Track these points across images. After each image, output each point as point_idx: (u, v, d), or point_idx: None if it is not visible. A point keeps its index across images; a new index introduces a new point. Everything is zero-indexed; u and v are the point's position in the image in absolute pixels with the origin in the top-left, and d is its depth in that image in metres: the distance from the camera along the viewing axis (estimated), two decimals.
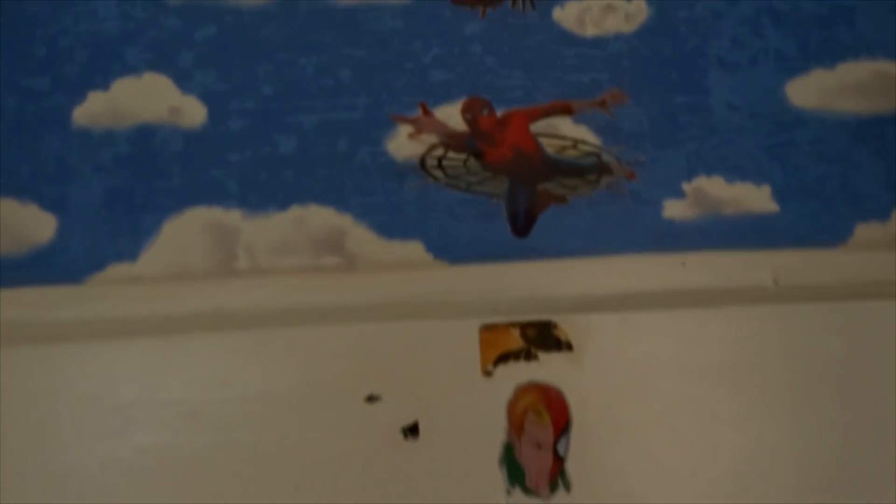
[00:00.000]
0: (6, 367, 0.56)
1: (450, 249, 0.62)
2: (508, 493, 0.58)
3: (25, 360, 0.57)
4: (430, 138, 0.63)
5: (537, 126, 0.64)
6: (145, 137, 0.63)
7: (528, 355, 0.59)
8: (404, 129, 0.64)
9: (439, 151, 0.63)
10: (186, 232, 0.62)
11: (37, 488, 0.56)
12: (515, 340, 0.59)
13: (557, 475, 0.58)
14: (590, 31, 0.66)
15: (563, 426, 0.58)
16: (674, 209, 0.64)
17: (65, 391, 0.57)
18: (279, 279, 0.61)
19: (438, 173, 0.63)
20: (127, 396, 0.58)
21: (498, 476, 0.58)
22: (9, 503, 0.54)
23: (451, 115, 0.64)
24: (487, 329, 0.59)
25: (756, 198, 0.64)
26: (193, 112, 0.64)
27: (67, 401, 0.57)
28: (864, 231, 0.64)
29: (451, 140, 0.63)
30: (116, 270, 0.61)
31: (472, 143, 0.63)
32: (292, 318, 0.60)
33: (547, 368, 0.59)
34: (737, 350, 0.60)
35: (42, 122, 0.63)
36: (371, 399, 0.58)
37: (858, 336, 0.60)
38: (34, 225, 0.61)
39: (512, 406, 0.58)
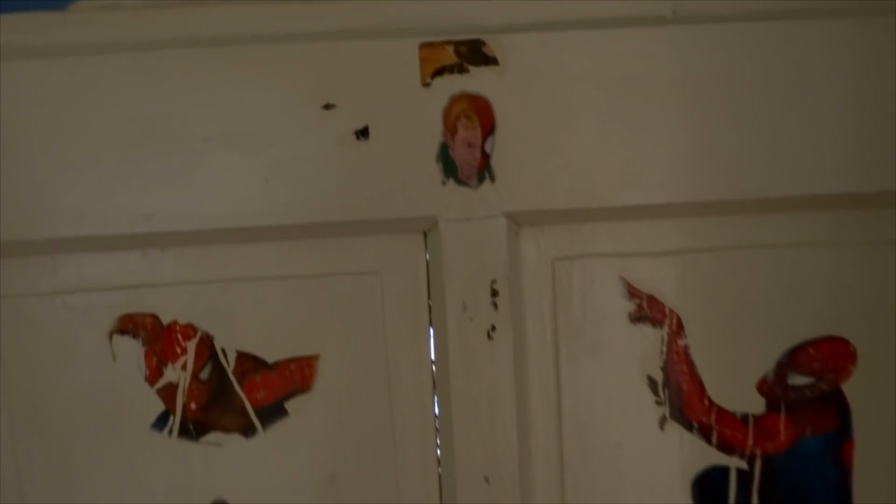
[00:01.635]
0: None
1: None
2: (444, 183, 0.70)
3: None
4: None
5: None
6: None
7: (461, 69, 0.69)
8: None
9: None
10: None
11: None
12: (450, 56, 0.69)
13: (484, 169, 0.70)
14: None
15: (489, 129, 0.69)
16: None
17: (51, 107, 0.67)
18: (248, 7, 0.70)
19: None
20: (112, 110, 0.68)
21: (436, 170, 0.70)
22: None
23: None
24: (426, 46, 0.69)
25: None
26: None
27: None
28: None
29: None
30: None
31: None
32: (260, 39, 0.69)
33: (476, 80, 0.69)
34: (640, 65, 0.70)
35: None
36: (328, 107, 0.69)
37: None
38: None
39: (447, 112, 0.69)
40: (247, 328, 0.74)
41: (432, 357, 0.75)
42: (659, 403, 0.77)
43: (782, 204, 0.72)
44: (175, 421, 0.74)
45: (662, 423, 0.77)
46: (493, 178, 0.70)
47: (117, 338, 0.73)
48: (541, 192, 0.70)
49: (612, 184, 0.71)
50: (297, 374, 0.74)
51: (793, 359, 0.76)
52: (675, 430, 0.76)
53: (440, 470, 0.75)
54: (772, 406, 0.77)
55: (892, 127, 0.70)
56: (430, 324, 0.74)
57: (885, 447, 0.77)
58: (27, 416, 0.73)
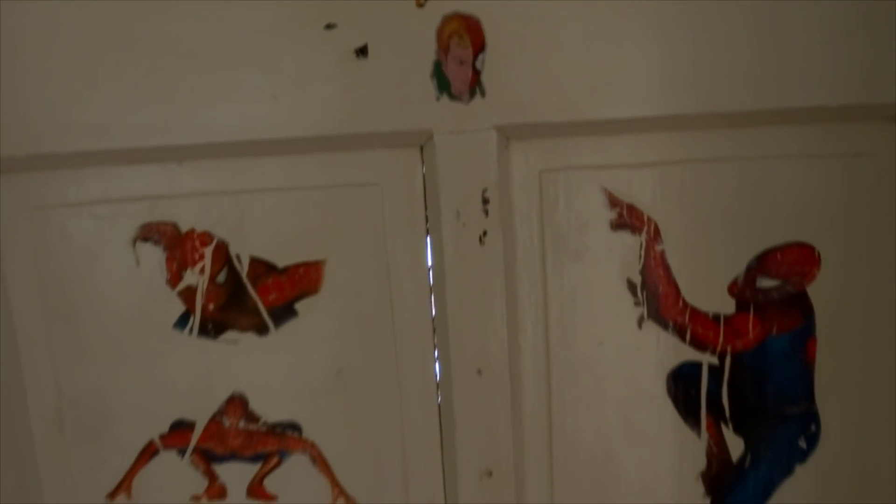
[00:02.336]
0: None
1: None
2: (438, 99, 0.75)
3: None
4: None
5: None
6: None
7: None
8: None
9: None
10: None
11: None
12: None
13: (476, 85, 0.75)
14: None
15: (480, 47, 0.75)
16: None
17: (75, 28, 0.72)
18: None
19: None
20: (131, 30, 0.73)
21: (430, 86, 0.75)
22: None
23: None
24: None
25: None
26: None
27: None
28: None
29: None
30: None
31: None
32: None
33: (468, 1, 0.74)
34: None
35: None
36: (329, 27, 0.74)
37: None
38: None
39: (440, 31, 0.74)
40: (259, 236, 0.80)
41: (429, 261, 0.81)
42: (637, 304, 0.83)
43: (753, 118, 0.78)
44: (195, 321, 0.81)
45: (641, 322, 0.84)
46: (483, 94, 0.75)
47: (140, 245, 0.79)
48: (528, 107, 0.75)
49: (596, 98, 0.76)
50: (306, 278, 0.80)
51: (761, 263, 0.83)
52: (652, 328, 0.83)
53: (437, 363, 0.82)
54: (741, 307, 0.84)
55: (857, 44, 0.75)
56: (427, 230, 0.80)
57: (845, 344, 0.84)
58: (62, 316, 0.80)
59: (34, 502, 0.83)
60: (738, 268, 0.82)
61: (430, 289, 0.81)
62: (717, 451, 0.86)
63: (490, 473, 0.82)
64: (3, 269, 0.79)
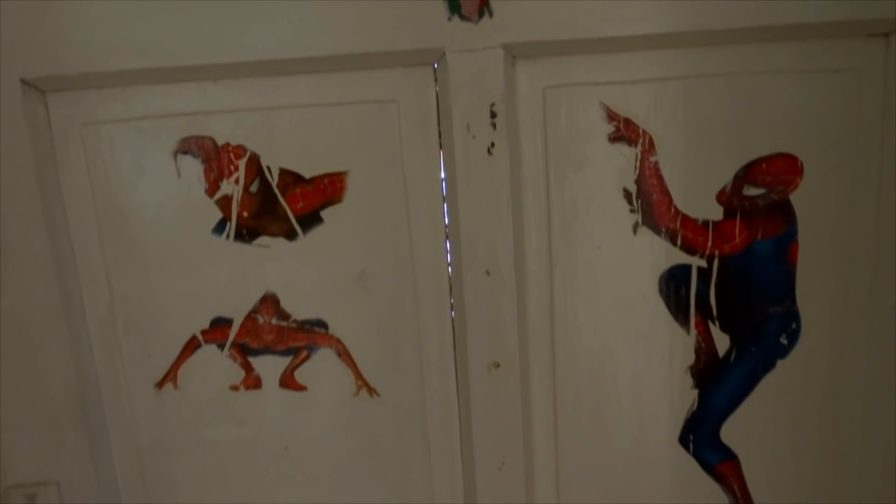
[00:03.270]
0: None
1: None
2: (449, 19, 0.82)
3: None
4: None
5: None
6: None
7: None
8: None
9: None
10: None
11: None
12: None
13: (484, 6, 0.82)
14: None
15: None
16: None
17: None
18: None
19: None
20: None
21: (442, 7, 0.82)
22: None
23: None
24: None
25: None
26: None
27: None
28: None
29: None
30: None
31: None
32: None
33: None
34: None
35: None
36: None
37: None
38: None
39: None
40: (287, 149, 0.88)
41: (442, 172, 0.89)
42: (632, 211, 0.91)
43: (744, 35, 0.84)
44: (231, 227, 0.89)
45: (635, 228, 0.91)
46: (491, 14, 0.82)
47: (181, 157, 0.88)
48: (533, 26, 0.82)
49: (596, 17, 0.82)
50: (330, 188, 0.89)
51: (748, 173, 0.90)
52: (645, 234, 0.91)
53: (450, 266, 0.91)
54: (729, 213, 0.91)
55: None
56: (440, 143, 0.88)
57: (825, 248, 0.91)
58: (113, 222, 0.89)
59: (92, 390, 0.92)
60: (726, 177, 0.89)
61: (443, 197, 0.89)
62: (704, 346, 0.95)
63: (497, 365, 0.91)
64: (60, 180, 0.87)
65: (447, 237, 0.90)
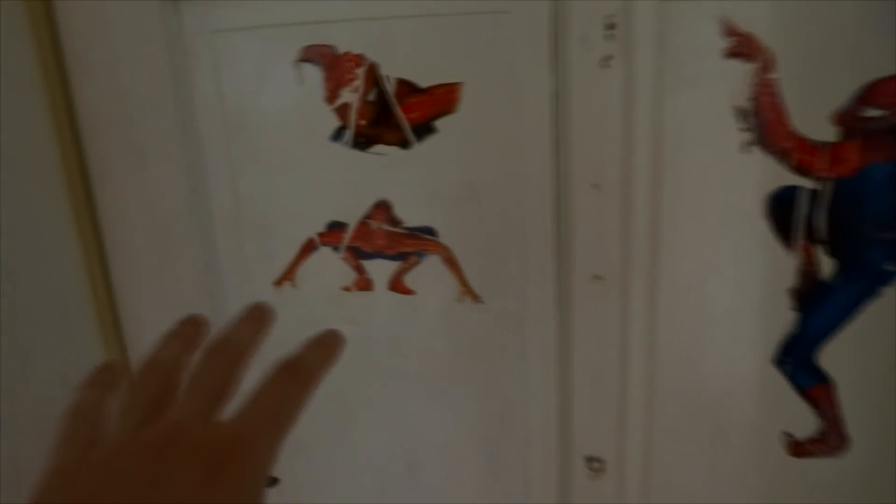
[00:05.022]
0: None
1: None
2: None
3: None
4: None
5: None
6: None
7: None
8: None
9: None
10: None
11: None
12: None
13: None
14: None
15: None
16: None
17: None
18: None
19: None
20: None
21: None
22: None
23: None
24: None
25: None
26: None
27: None
28: None
29: None
30: None
31: None
32: None
33: None
34: None
35: None
36: None
37: None
38: None
39: None
40: (404, 59, 0.91)
41: (555, 84, 0.90)
42: (744, 130, 0.90)
43: None
44: (349, 134, 0.94)
45: (746, 147, 0.91)
46: None
47: (302, 65, 0.92)
48: None
49: None
50: (444, 98, 0.91)
51: (869, 93, 0.87)
52: (756, 153, 0.91)
53: (557, 179, 0.93)
54: (846, 135, 0.89)
55: None
56: (555, 55, 0.89)
57: None
58: (239, 129, 0.95)
59: (218, 287, 1.00)
60: (845, 97, 0.88)
61: (554, 110, 0.91)
62: (808, 269, 0.95)
63: (600, 277, 0.93)
64: (192, 86, 0.92)
65: (557, 150, 0.92)
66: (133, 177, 0.95)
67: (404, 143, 0.93)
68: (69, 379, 0.93)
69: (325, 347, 0.42)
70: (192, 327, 0.42)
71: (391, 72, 0.91)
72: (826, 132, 0.89)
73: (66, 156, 0.93)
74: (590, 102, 0.87)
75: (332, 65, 0.91)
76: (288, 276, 1.00)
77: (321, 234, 0.98)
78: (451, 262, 0.97)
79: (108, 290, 1.00)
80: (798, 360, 0.99)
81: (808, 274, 0.95)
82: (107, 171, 0.96)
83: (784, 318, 0.96)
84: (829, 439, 1.00)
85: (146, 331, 1.01)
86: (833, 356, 0.97)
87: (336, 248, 0.98)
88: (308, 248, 0.98)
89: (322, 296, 1.00)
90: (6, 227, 0.84)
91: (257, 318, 0.43)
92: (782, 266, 0.95)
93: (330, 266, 0.99)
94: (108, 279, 0.99)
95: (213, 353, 0.38)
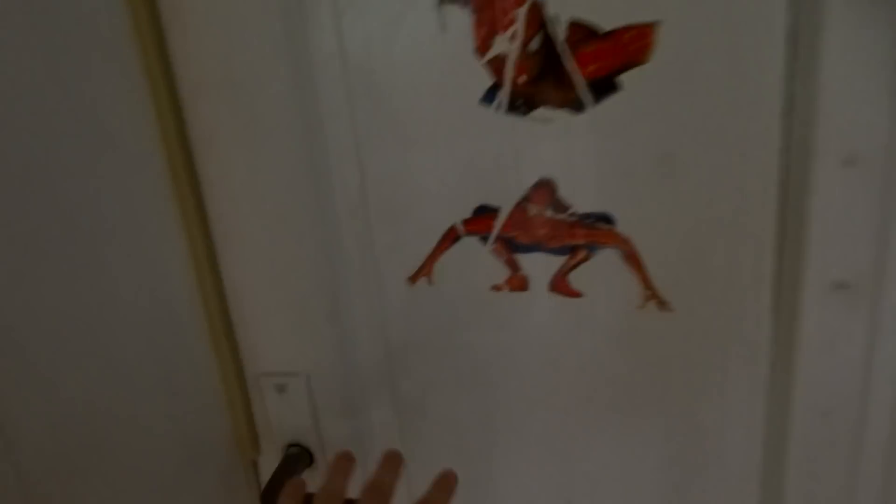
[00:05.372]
0: None
1: None
2: None
3: None
4: None
5: None
6: None
7: None
8: None
9: None
10: None
11: None
12: None
13: None
14: None
15: None
16: None
17: None
18: None
19: None
20: None
21: None
22: None
23: None
24: None
25: None
26: None
27: None
28: None
29: None
30: None
31: None
32: None
33: None
34: None
35: None
36: None
37: None
38: None
39: None
40: None
41: (792, 22, 0.64)
42: None
43: None
44: (504, 94, 0.72)
45: None
46: None
47: (446, 6, 0.70)
48: None
49: None
50: (633, 44, 0.68)
51: None
52: None
53: (789, 151, 0.68)
54: None
55: None
56: None
57: None
58: (365, 91, 0.76)
59: (342, 281, 0.83)
60: None
61: (788, 61, 0.65)
62: None
63: (844, 286, 0.68)
64: (308, 38, 0.74)
65: (788, 114, 0.67)
66: (240, 152, 0.79)
67: (577, 106, 0.71)
68: (172, 386, 0.80)
69: (444, 489, 0.61)
70: (347, 462, 0.66)
71: (562, 11, 0.68)
72: None
73: (165, 130, 0.78)
74: (848, 50, 0.61)
75: (485, 5, 0.69)
76: (424, 271, 0.82)
77: (466, 222, 0.78)
78: (632, 259, 0.75)
79: (218, 288, 0.85)
80: None
81: None
82: (213, 150, 0.80)
83: None
84: None
85: (260, 338, 0.86)
86: None
87: (484, 239, 0.78)
88: (449, 237, 0.79)
89: (466, 296, 0.82)
90: (104, 222, 0.70)
91: (396, 463, 0.65)
92: None
93: (476, 260, 0.80)
94: (217, 276, 0.85)
95: (372, 493, 0.60)
